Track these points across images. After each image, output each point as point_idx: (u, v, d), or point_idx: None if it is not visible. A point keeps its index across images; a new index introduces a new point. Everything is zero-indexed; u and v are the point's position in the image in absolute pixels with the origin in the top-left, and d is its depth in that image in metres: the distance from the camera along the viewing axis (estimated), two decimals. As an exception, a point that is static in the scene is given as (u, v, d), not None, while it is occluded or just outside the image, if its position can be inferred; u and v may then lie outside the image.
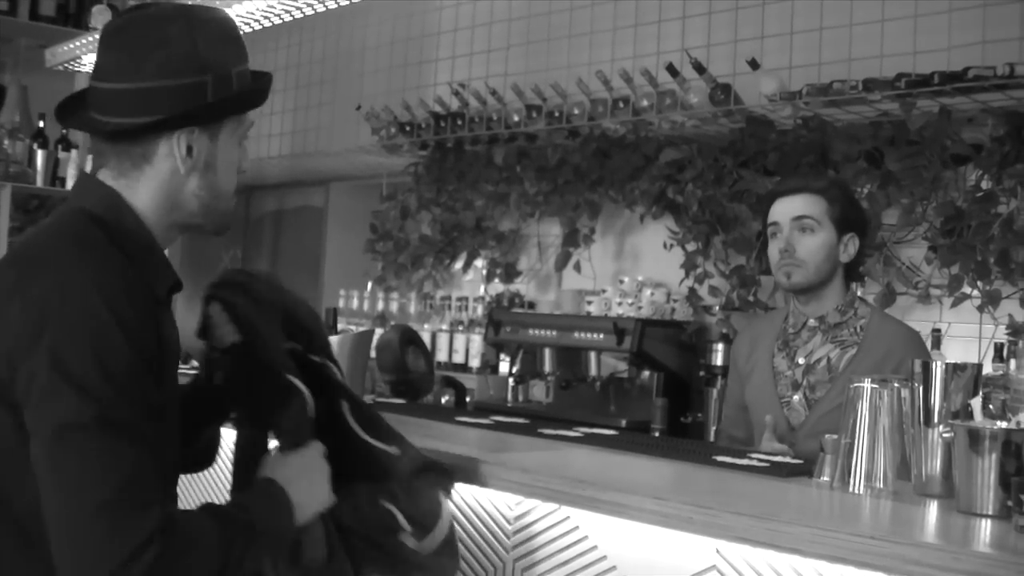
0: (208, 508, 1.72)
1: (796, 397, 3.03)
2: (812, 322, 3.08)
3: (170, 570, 1.56)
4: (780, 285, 3.16)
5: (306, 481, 1.87)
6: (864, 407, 2.09)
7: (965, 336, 3.81)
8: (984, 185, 3.73)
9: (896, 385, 2.11)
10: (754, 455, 2.53)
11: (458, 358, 5.28)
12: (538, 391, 4.80)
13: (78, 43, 5.76)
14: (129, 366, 1.63)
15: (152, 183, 1.83)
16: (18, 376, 1.62)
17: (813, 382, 3.02)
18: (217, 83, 1.83)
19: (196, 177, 1.85)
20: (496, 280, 5.45)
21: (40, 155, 5.88)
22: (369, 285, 5.91)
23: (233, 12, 4.57)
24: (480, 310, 5.32)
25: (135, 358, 1.64)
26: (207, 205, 1.89)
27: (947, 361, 2.05)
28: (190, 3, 1.91)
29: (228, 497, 1.94)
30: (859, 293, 3.88)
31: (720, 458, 2.42)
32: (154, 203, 1.83)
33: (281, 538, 1.81)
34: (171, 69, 1.79)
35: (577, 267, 5.02)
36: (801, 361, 3.06)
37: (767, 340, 3.17)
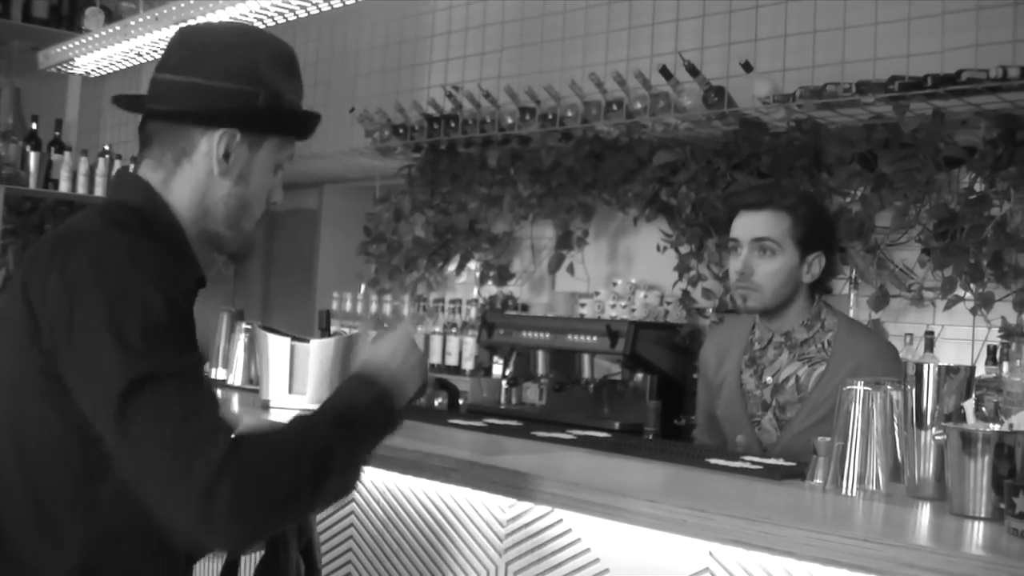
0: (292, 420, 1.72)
1: (766, 417, 2.95)
2: (778, 338, 2.98)
3: (256, 480, 1.56)
4: (736, 306, 3.06)
5: (396, 363, 1.87)
6: (857, 409, 2.09)
7: (958, 339, 3.82)
8: (977, 188, 3.74)
9: (889, 387, 2.10)
10: (746, 458, 2.53)
11: (451, 360, 5.27)
12: (531, 393, 4.80)
13: (71, 45, 5.76)
14: (170, 322, 1.65)
15: (188, 180, 1.88)
16: (61, 345, 1.64)
17: (782, 402, 2.93)
18: (268, 98, 1.89)
19: (228, 184, 1.90)
20: (489, 282, 5.45)
21: (33, 157, 5.87)
22: (362, 287, 5.91)
23: (227, 14, 4.56)
24: (473, 312, 5.32)
25: (175, 317, 1.67)
26: (232, 215, 1.93)
27: (940, 363, 2.05)
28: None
29: None
30: (851, 300, 3.90)
31: (713, 461, 2.42)
32: (187, 202, 1.88)
33: (374, 419, 1.81)
34: (228, 74, 1.87)
35: (570, 269, 5.02)
36: (768, 380, 2.96)
37: (735, 353, 3.08)
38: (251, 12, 4.56)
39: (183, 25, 1.97)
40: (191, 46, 1.91)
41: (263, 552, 2.02)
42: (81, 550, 1.69)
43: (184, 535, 1.60)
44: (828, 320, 2.97)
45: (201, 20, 4.68)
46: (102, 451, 1.63)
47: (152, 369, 1.59)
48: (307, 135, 2.02)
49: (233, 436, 1.58)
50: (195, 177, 1.88)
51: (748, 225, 2.97)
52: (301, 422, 1.69)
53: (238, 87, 1.87)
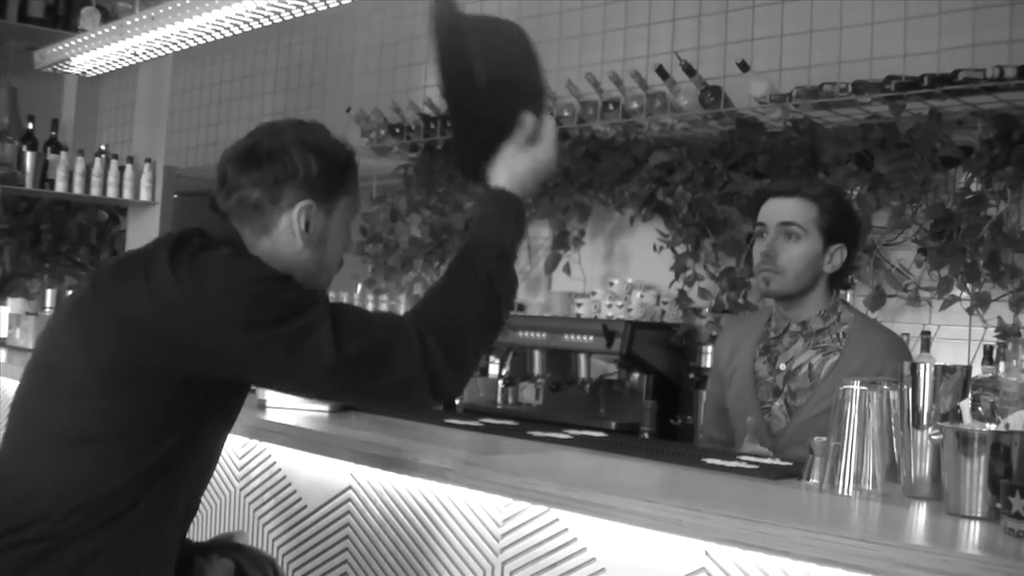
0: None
1: (777, 404, 2.97)
2: (794, 327, 3.02)
3: (448, 331, 1.84)
4: (759, 290, 3.11)
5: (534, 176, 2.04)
6: (853, 409, 2.08)
7: (954, 338, 3.82)
8: (974, 187, 3.74)
9: (885, 387, 2.10)
10: (743, 457, 2.53)
11: (448, 360, 5.26)
12: (528, 393, 4.80)
13: (67, 45, 5.74)
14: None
15: (266, 252, 1.94)
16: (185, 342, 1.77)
17: (794, 389, 2.95)
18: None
19: (309, 251, 1.98)
20: (486, 282, 5.44)
21: (29, 157, 5.85)
22: (359, 287, 5.91)
23: (223, 14, 4.55)
24: (470, 312, 5.30)
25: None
26: (311, 278, 2.00)
27: (936, 363, 2.04)
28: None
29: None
30: (848, 298, 3.90)
31: (709, 460, 2.42)
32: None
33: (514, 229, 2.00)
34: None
35: (567, 269, 5.02)
36: (782, 367, 2.99)
37: (748, 343, 3.11)
38: (247, 12, 4.55)
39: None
40: (257, 162, 1.95)
41: None
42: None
43: (424, 402, 1.86)
44: (844, 314, 3.02)
45: (198, 21, 4.67)
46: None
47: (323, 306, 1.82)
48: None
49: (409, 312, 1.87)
50: (273, 249, 1.94)
51: (776, 210, 3.02)
52: (459, 269, 1.92)
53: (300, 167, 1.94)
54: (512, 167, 2.00)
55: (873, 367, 2.80)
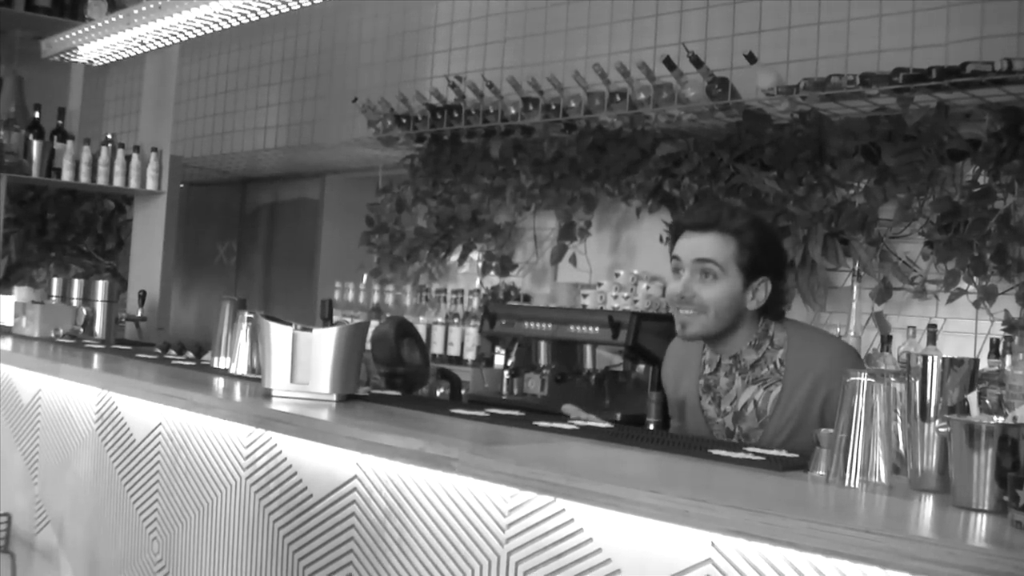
0: None
1: None
2: (727, 361, 2.88)
3: None
4: (677, 333, 2.89)
5: None
6: (860, 401, 2.08)
7: (961, 332, 3.81)
8: (981, 181, 3.73)
9: (892, 379, 2.10)
10: (749, 449, 2.53)
11: (453, 351, 5.28)
12: (533, 384, 4.80)
13: (74, 34, 5.74)
14: None
15: None
16: None
17: (745, 429, 2.85)
18: None
19: None
20: (492, 273, 5.45)
21: (35, 146, 5.86)
22: (365, 277, 5.91)
23: (230, 3, 4.55)
24: (475, 303, 5.31)
25: None
26: None
27: (943, 356, 2.04)
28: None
29: None
30: (854, 294, 3.90)
31: (715, 451, 2.42)
32: None
33: None
34: None
35: (573, 260, 5.02)
36: (728, 408, 2.89)
37: (691, 375, 2.99)
38: (254, 1, 4.54)
39: None
40: None
41: None
42: None
43: None
44: (777, 336, 2.86)
45: (205, 10, 4.67)
46: None
47: None
48: None
49: None
50: None
51: (692, 246, 2.83)
52: None
53: None
54: None
55: (821, 390, 2.71)
